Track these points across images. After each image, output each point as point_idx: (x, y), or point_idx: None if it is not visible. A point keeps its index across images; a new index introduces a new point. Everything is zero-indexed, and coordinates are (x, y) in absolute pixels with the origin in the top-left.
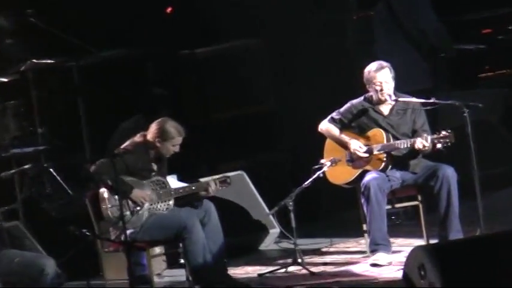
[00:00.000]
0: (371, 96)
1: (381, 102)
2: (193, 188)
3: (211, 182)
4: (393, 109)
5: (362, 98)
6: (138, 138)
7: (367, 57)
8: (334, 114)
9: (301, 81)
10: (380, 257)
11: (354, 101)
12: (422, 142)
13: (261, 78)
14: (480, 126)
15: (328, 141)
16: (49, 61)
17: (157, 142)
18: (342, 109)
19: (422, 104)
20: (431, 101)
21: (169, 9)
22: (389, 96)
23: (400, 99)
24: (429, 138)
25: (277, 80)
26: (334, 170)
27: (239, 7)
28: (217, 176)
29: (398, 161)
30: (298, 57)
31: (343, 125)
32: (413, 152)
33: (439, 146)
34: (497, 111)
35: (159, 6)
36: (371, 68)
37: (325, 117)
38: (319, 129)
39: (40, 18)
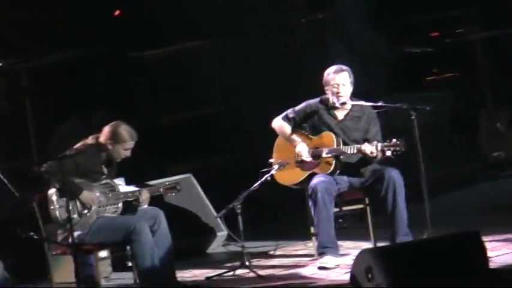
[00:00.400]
0: (327, 98)
1: (336, 106)
2: (136, 193)
3: (142, 191)
4: (348, 114)
5: (318, 99)
6: (90, 140)
7: (316, 59)
8: (289, 112)
9: (250, 83)
10: (328, 259)
11: (311, 101)
12: (370, 149)
13: (210, 80)
14: (427, 129)
15: (279, 140)
16: None
17: (109, 144)
18: (297, 108)
19: (373, 107)
20: (379, 104)
21: (117, 12)
22: (345, 99)
23: (353, 102)
24: (379, 145)
25: (227, 82)
26: (283, 171)
27: (188, 9)
28: (166, 181)
29: (348, 166)
30: (248, 59)
31: (296, 124)
32: (363, 159)
33: (388, 153)
34: (444, 114)
35: (108, 7)
36: (330, 70)
37: (275, 117)
38: (272, 126)
39: None
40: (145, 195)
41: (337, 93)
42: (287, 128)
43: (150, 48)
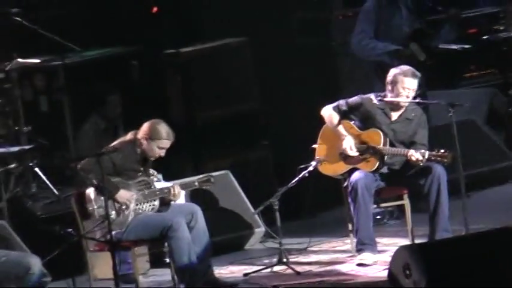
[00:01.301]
0: (384, 96)
1: (392, 106)
2: (166, 190)
3: (175, 186)
4: (401, 116)
5: (373, 95)
6: (128, 136)
7: (351, 56)
8: (341, 103)
9: (286, 80)
10: (366, 256)
11: (364, 96)
12: (417, 157)
13: (245, 77)
14: (465, 126)
15: (325, 127)
16: (34, 60)
17: (144, 140)
18: (350, 100)
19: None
20: (417, 100)
21: (155, 9)
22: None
23: (391, 99)
24: (427, 153)
25: (262, 79)
26: (326, 162)
27: (222, 7)
28: (200, 176)
29: (391, 167)
30: (282, 55)
31: (346, 116)
32: (407, 164)
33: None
34: (482, 111)
35: (145, 5)
36: (406, 72)
37: (316, 113)
38: (321, 113)
39: (25, 17)
40: (177, 190)
41: (407, 97)
42: (335, 119)
43: (185, 46)
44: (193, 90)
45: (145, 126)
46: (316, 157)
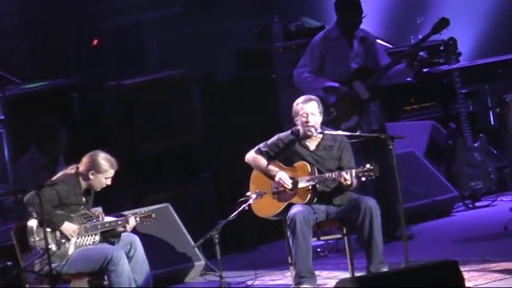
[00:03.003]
0: (298, 130)
1: (307, 136)
2: (119, 222)
3: (130, 217)
4: (320, 144)
5: (289, 131)
6: (69, 170)
7: (292, 89)
8: (262, 146)
9: (227, 112)
10: None
11: (281, 135)
12: (345, 176)
13: (186, 110)
14: (405, 158)
15: (254, 173)
16: None
17: (90, 175)
18: (269, 141)
19: (348, 137)
20: (356, 134)
21: (95, 42)
22: (315, 129)
23: (326, 132)
24: (353, 171)
25: (203, 111)
26: (260, 203)
27: (163, 39)
28: (142, 210)
29: (324, 195)
30: (223, 87)
31: (270, 157)
32: (339, 188)
33: (363, 179)
34: (421, 143)
35: (86, 38)
36: (299, 100)
37: (251, 148)
38: (246, 160)
39: None
40: (132, 221)
41: (306, 122)
42: (262, 161)
43: (128, 78)
44: (135, 122)
45: (86, 161)
46: (256, 190)
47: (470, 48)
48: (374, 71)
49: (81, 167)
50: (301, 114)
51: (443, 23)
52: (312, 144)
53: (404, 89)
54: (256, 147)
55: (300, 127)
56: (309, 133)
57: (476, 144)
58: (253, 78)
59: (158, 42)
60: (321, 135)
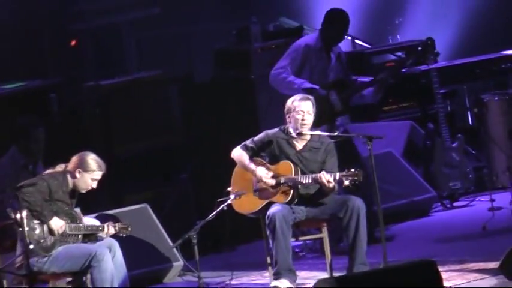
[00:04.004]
0: (287, 128)
1: (296, 135)
2: (100, 228)
3: (110, 226)
4: (307, 145)
5: (278, 129)
6: (58, 168)
7: (270, 89)
8: (248, 142)
9: (205, 112)
10: (283, 282)
11: (269, 131)
12: (327, 178)
13: (165, 110)
14: (384, 159)
15: (237, 169)
16: None
17: (77, 173)
18: (256, 138)
19: (329, 137)
20: (335, 134)
21: (73, 42)
22: (307, 128)
23: (314, 132)
24: (337, 174)
25: (182, 112)
26: (240, 199)
27: (141, 40)
28: (122, 210)
29: (305, 196)
30: (201, 88)
31: (254, 153)
32: (321, 191)
33: (346, 183)
34: (400, 144)
35: (64, 38)
36: (295, 97)
37: (232, 147)
38: (232, 155)
39: None
40: (110, 230)
41: (302, 120)
42: (245, 157)
43: (106, 78)
44: (113, 123)
45: (75, 160)
46: (236, 190)
47: (448, 49)
48: (350, 85)
49: (70, 165)
50: (297, 111)
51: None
52: (299, 144)
53: None
54: (242, 143)
55: (290, 124)
56: (303, 131)
57: (454, 145)
58: (232, 78)
59: (136, 43)
60: (309, 136)
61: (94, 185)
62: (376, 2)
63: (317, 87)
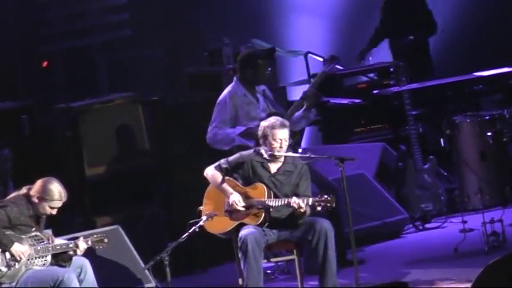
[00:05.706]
0: (261, 151)
1: (270, 158)
2: (71, 245)
3: (80, 241)
4: (281, 168)
5: (252, 151)
6: (22, 191)
7: None
8: (222, 162)
9: (177, 135)
10: None
11: (244, 153)
12: (298, 202)
13: (136, 133)
14: (355, 180)
15: (210, 187)
16: None
17: (35, 198)
18: (230, 158)
19: (300, 158)
20: (307, 155)
21: (45, 64)
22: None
23: (281, 153)
24: (310, 200)
25: (153, 134)
26: (211, 219)
27: (113, 62)
28: (94, 232)
29: (276, 219)
30: (174, 110)
31: (228, 174)
32: (292, 215)
33: (319, 208)
34: (372, 165)
35: (35, 59)
36: (274, 124)
37: (204, 169)
38: (205, 174)
39: None
40: (83, 245)
41: (280, 147)
42: (219, 177)
43: (77, 100)
44: (84, 145)
45: (38, 185)
46: (207, 212)
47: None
48: (281, 115)
49: (33, 190)
50: (275, 139)
51: (332, 59)
52: (273, 167)
53: (355, 110)
54: (216, 163)
55: (265, 148)
56: (275, 153)
57: (426, 166)
58: (204, 100)
59: (108, 65)
60: (283, 159)
61: (54, 212)
62: (348, 24)
63: (252, 125)
